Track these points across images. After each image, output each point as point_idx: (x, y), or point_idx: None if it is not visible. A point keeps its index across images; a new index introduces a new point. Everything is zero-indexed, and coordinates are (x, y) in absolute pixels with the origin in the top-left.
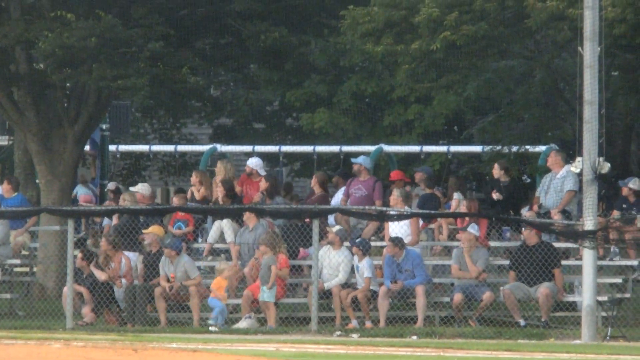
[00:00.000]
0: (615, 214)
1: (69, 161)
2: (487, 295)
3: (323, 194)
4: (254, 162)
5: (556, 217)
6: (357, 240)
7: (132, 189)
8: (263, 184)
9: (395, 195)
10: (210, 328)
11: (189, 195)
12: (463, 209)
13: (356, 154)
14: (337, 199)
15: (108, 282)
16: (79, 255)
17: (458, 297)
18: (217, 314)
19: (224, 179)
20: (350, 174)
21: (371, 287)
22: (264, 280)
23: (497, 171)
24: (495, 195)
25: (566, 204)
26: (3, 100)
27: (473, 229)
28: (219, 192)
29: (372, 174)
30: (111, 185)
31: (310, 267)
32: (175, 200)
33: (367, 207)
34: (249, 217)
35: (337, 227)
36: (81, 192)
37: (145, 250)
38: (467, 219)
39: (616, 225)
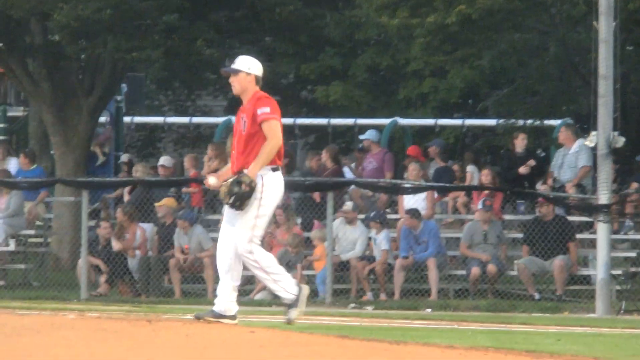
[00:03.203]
0: (634, 186)
1: (83, 133)
2: (490, 268)
3: (336, 167)
4: None
5: (571, 191)
6: (373, 214)
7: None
8: None
9: (413, 169)
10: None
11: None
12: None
13: (371, 127)
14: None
15: (122, 253)
16: (104, 224)
17: (475, 270)
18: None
19: None
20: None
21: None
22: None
23: (523, 141)
24: (524, 169)
25: (581, 179)
26: (18, 71)
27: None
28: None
29: (387, 146)
30: (124, 158)
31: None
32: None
33: (381, 180)
34: None
35: (350, 203)
36: None
37: (160, 222)
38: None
39: (635, 198)
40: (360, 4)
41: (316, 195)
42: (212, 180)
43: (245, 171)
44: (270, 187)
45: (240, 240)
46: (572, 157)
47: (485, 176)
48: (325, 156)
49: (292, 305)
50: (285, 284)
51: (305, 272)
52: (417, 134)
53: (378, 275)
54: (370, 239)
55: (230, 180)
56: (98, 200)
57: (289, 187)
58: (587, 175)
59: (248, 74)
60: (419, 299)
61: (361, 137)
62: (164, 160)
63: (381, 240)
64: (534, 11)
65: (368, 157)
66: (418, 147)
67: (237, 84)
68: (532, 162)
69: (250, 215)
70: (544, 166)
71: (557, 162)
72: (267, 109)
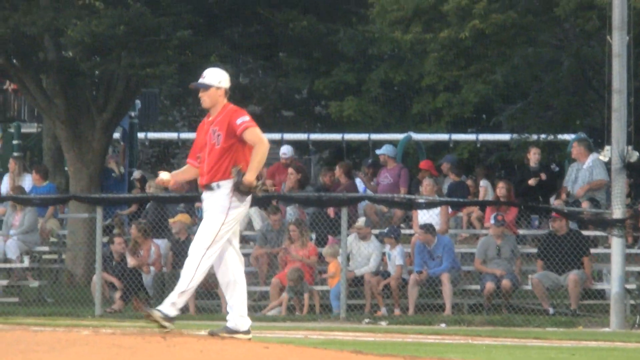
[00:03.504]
0: None
1: (97, 149)
2: (504, 283)
3: (350, 182)
4: (290, 150)
5: (584, 205)
6: (387, 229)
7: None
8: (294, 174)
9: (427, 184)
10: None
11: None
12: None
13: (385, 142)
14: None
15: (136, 269)
16: (117, 239)
17: (490, 285)
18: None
19: None
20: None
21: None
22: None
23: (536, 156)
24: (533, 181)
25: (594, 189)
26: (32, 88)
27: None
28: None
29: (401, 162)
30: (137, 174)
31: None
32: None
33: (395, 195)
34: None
35: (363, 219)
36: None
37: (174, 238)
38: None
39: None
40: (373, 19)
41: (330, 211)
42: (164, 175)
43: (237, 173)
44: (237, 200)
45: (200, 243)
46: (586, 172)
47: (500, 189)
48: (338, 172)
49: (163, 315)
50: (179, 302)
51: (319, 288)
52: (431, 149)
53: (393, 290)
54: (384, 254)
55: (235, 181)
56: (111, 217)
57: (303, 202)
58: (601, 187)
59: (218, 88)
60: (433, 314)
61: (378, 152)
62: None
63: (395, 255)
64: (547, 26)
65: (383, 172)
66: (431, 161)
67: (207, 99)
68: (542, 176)
69: (217, 223)
70: (558, 180)
71: (571, 176)
72: (246, 118)
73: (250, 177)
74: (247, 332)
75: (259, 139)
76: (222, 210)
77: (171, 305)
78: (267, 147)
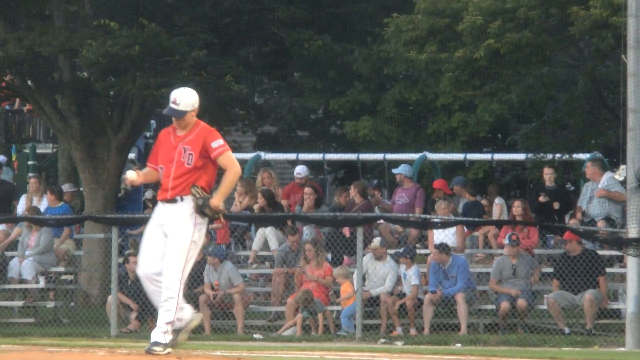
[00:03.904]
0: None
1: (112, 169)
2: (520, 303)
3: (365, 202)
4: (305, 170)
5: (600, 224)
6: (403, 249)
7: None
8: (311, 194)
9: (443, 207)
10: (254, 335)
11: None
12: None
13: (400, 162)
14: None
15: None
16: (132, 259)
17: (505, 305)
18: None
19: (264, 189)
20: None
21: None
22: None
23: (550, 175)
24: (543, 198)
25: (615, 198)
26: (47, 108)
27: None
28: (259, 202)
29: (417, 181)
30: (148, 194)
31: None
32: None
33: (410, 215)
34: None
35: (378, 239)
36: None
37: None
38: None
39: None
40: (388, 39)
41: (346, 231)
42: (132, 175)
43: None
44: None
45: (174, 267)
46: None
47: (516, 208)
48: (353, 192)
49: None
50: (170, 328)
51: (331, 308)
52: (446, 168)
53: (408, 310)
54: (402, 275)
55: (200, 204)
56: (122, 236)
57: (318, 222)
58: (621, 200)
59: (193, 110)
60: (449, 333)
61: (394, 171)
62: None
63: (411, 275)
64: (562, 45)
65: (399, 191)
66: (444, 180)
67: (182, 123)
68: (556, 205)
69: (187, 242)
70: (573, 200)
71: (586, 196)
72: (220, 141)
73: (218, 201)
74: (195, 313)
75: (232, 164)
76: (189, 228)
77: (164, 333)
78: (239, 172)
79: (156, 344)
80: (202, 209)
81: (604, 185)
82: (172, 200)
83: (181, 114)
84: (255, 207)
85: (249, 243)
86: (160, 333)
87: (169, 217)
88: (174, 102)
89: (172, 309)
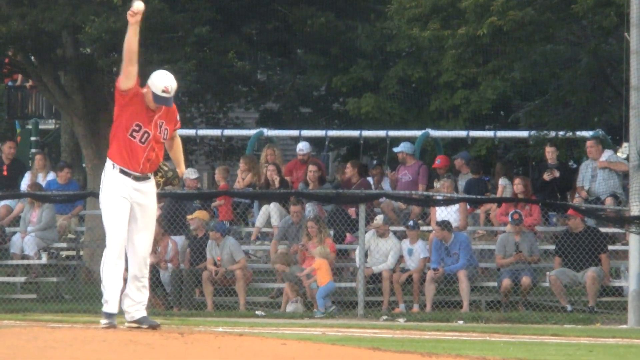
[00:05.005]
0: None
1: None
2: (524, 280)
3: (364, 179)
4: (307, 147)
5: (608, 201)
6: (410, 222)
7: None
8: (316, 172)
9: (447, 184)
10: (256, 312)
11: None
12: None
13: (402, 139)
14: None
15: (154, 266)
16: None
17: (507, 282)
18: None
19: (276, 163)
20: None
21: None
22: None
23: (552, 153)
24: (547, 176)
25: (618, 169)
26: (50, 84)
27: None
28: (274, 176)
29: (419, 158)
30: None
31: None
32: None
33: (413, 192)
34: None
35: (381, 216)
36: None
37: (192, 235)
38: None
39: None
40: (391, 16)
41: (352, 212)
42: (137, 5)
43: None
44: None
45: (150, 245)
46: (603, 169)
47: (517, 185)
48: (350, 170)
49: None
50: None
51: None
52: (449, 145)
53: (414, 283)
54: (405, 251)
55: (169, 175)
56: None
57: (321, 199)
58: (624, 170)
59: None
60: (451, 310)
61: (395, 149)
62: (188, 172)
63: (417, 249)
64: (565, 23)
65: (402, 169)
66: (447, 157)
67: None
68: (556, 173)
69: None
70: (574, 177)
71: (586, 175)
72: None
73: (184, 169)
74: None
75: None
76: (156, 204)
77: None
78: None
79: (146, 318)
80: (171, 181)
81: (604, 159)
82: (146, 177)
83: (172, 101)
84: (271, 178)
85: (251, 220)
86: (144, 308)
87: (142, 195)
88: (166, 91)
89: (147, 286)
